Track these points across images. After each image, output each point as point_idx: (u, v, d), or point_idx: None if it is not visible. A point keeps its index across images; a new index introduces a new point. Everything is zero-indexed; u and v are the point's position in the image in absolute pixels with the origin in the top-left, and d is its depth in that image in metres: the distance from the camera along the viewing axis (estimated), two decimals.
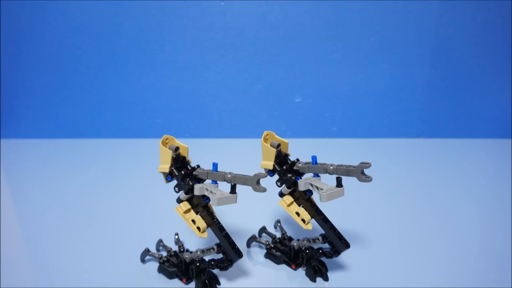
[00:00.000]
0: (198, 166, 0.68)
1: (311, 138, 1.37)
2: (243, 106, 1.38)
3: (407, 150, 1.31)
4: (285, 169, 0.70)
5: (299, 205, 0.72)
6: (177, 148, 0.67)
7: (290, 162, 0.71)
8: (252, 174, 0.63)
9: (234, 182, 0.64)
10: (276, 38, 1.30)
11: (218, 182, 0.66)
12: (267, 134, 0.70)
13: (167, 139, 0.67)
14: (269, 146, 0.69)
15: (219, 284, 0.71)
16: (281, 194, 0.72)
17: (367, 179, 0.64)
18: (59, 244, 0.84)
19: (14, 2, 1.28)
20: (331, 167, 0.67)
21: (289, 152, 0.72)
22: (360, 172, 0.65)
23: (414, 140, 1.38)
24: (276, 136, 0.71)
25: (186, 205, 0.68)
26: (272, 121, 1.38)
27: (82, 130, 1.41)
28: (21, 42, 1.32)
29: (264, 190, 0.63)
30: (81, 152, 1.31)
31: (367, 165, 0.64)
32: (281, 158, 0.70)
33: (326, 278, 0.72)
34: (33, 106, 1.40)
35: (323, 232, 0.72)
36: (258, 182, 0.63)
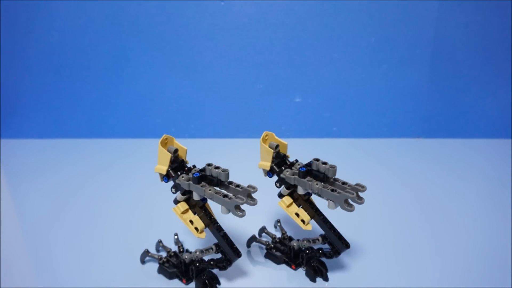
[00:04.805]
0: (194, 166, 0.68)
1: (311, 138, 1.37)
2: (243, 106, 1.38)
3: (407, 150, 1.31)
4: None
5: (299, 206, 0.72)
6: (176, 151, 0.67)
7: (289, 163, 0.71)
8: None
9: (213, 200, 0.64)
10: (276, 38, 1.30)
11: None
12: (266, 135, 0.70)
13: (166, 139, 0.67)
14: (267, 146, 0.69)
15: (219, 284, 0.71)
16: (280, 195, 0.72)
17: (349, 208, 0.63)
18: (59, 244, 0.84)
19: (14, 2, 1.28)
20: (317, 186, 0.65)
21: (289, 152, 0.72)
22: (343, 200, 0.63)
23: (414, 140, 1.38)
24: (275, 137, 0.71)
25: (183, 206, 0.68)
26: (272, 121, 1.38)
27: (82, 130, 1.40)
28: (21, 42, 1.32)
29: (242, 215, 0.62)
30: (81, 152, 1.31)
31: (351, 195, 0.62)
32: (280, 159, 0.70)
33: (326, 278, 0.72)
34: (33, 106, 1.39)
35: (323, 232, 0.72)
36: (237, 207, 0.62)
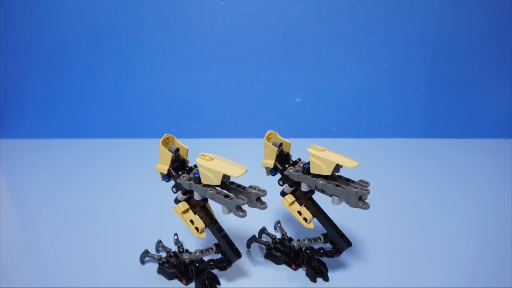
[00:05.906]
0: (195, 166, 0.68)
1: (311, 138, 1.37)
2: (243, 106, 1.38)
3: (407, 150, 1.31)
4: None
5: (301, 204, 0.72)
6: (177, 150, 0.67)
7: (291, 162, 0.71)
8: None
9: (214, 200, 0.63)
10: (276, 38, 1.30)
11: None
12: (270, 134, 0.70)
13: (167, 138, 0.67)
14: (271, 144, 0.69)
15: (219, 284, 0.71)
16: (283, 193, 0.72)
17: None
18: (59, 244, 0.84)
19: (14, 2, 1.28)
20: (321, 182, 0.66)
21: (290, 152, 0.72)
22: (347, 195, 0.64)
23: (414, 140, 1.37)
24: (279, 136, 0.71)
25: (184, 206, 0.68)
26: (272, 121, 1.38)
27: (82, 130, 1.40)
28: (21, 42, 1.32)
29: (244, 215, 0.62)
30: (80, 152, 1.31)
31: (355, 189, 0.63)
32: (283, 158, 0.70)
33: (326, 279, 0.72)
34: (33, 106, 1.39)
35: (324, 232, 0.72)
36: (238, 207, 0.62)
